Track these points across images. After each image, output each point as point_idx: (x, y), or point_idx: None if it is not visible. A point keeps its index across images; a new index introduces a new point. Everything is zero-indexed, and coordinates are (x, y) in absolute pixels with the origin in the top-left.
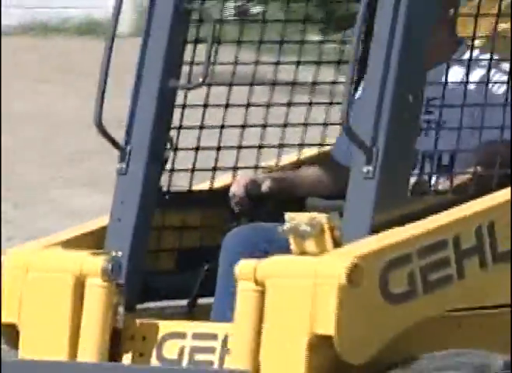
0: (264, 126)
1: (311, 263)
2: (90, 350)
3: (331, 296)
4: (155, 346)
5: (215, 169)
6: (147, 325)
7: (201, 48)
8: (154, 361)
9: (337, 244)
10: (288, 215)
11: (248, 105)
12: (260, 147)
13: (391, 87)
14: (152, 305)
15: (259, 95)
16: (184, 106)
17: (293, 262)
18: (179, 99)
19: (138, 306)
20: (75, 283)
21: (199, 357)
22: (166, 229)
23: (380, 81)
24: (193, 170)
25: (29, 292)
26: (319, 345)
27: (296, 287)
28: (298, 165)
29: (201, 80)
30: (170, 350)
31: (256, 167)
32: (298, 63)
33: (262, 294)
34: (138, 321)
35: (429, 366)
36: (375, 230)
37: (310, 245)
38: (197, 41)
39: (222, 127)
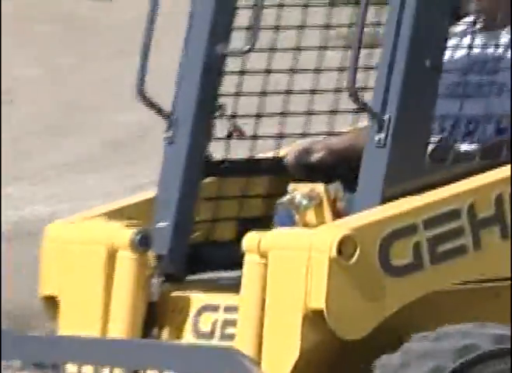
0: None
1: (306, 235)
2: (120, 323)
3: (322, 269)
4: (190, 319)
5: (281, 136)
6: (184, 298)
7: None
8: (189, 335)
9: (340, 215)
10: (291, 186)
11: (319, 70)
12: (332, 112)
13: (404, 50)
14: (206, 276)
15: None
16: (242, 72)
17: (291, 234)
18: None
19: (190, 277)
20: (107, 255)
21: (230, 330)
22: (225, 198)
23: (393, 44)
24: (254, 137)
25: (67, 264)
26: (314, 320)
27: (292, 260)
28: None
29: (248, 47)
30: (205, 324)
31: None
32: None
33: (266, 266)
34: (175, 294)
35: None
36: (389, 200)
37: (311, 216)
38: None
39: (288, 92)
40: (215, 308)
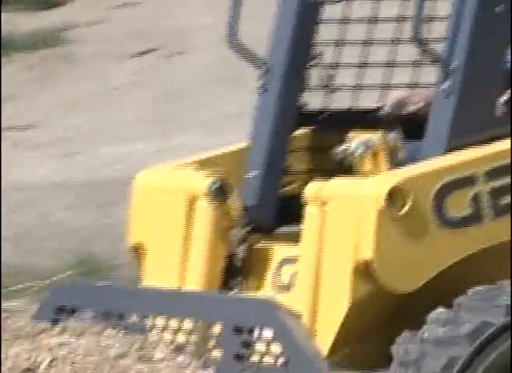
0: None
1: (360, 185)
2: (197, 273)
3: (371, 219)
4: (271, 271)
5: (386, 86)
6: (267, 249)
7: None
8: (268, 287)
9: (399, 165)
10: (349, 135)
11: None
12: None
13: None
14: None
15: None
16: (345, 21)
17: (348, 184)
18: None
19: (277, 230)
20: (187, 204)
21: None
22: (319, 151)
23: None
24: (356, 88)
25: (152, 213)
26: (364, 272)
27: (345, 210)
28: None
29: None
30: (284, 276)
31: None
32: None
33: (325, 216)
34: (260, 245)
35: None
36: (455, 151)
37: (367, 166)
38: None
39: (394, 42)
40: (294, 261)
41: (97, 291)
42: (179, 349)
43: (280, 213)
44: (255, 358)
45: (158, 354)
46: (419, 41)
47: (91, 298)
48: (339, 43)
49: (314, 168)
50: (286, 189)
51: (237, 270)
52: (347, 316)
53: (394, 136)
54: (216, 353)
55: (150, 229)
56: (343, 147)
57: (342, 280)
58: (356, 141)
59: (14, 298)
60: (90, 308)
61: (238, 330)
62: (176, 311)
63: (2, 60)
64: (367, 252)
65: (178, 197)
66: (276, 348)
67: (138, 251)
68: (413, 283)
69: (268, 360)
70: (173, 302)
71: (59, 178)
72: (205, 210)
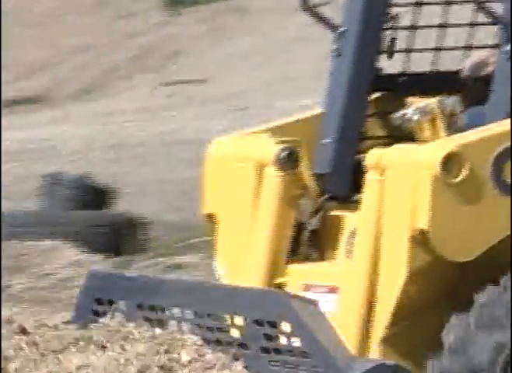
0: None
1: (415, 151)
2: (264, 242)
3: (426, 187)
4: (344, 239)
5: (470, 46)
6: (340, 218)
7: None
8: (340, 255)
9: (458, 131)
10: (408, 100)
11: None
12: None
13: None
14: None
15: None
16: None
17: (404, 151)
18: None
19: (353, 197)
20: (255, 172)
21: None
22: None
23: None
24: (437, 49)
25: (224, 181)
26: (421, 240)
27: (403, 178)
28: None
29: None
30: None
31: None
32: None
33: (384, 183)
34: (333, 213)
35: None
36: None
37: (425, 132)
38: None
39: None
40: None
41: (129, 282)
42: (207, 344)
43: (355, 180)
44: (280, 351)
45: (184, 356)
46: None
47: (124, 289)
48: (418, 3)
49: (392, 133)
50: (363, 156)
51: (310, 239)
52: (406, 286)
53: (451, 101)
54: (243, 348)
55: (222, 199)
56: (401, 113)
57: (400, 248)
58: (414, 106)
59: (183, 254)
60: (123, 299)
61: (261, 324)
62: (199, 304)
63: (174, 14)
64: (423, 221)
65: (248, 166)
66: (298, 342)
67: (211, 220)
68: (470, 252)
69: (291, 353)
70: (196, 295)
71: (233, 132)
72: (273, 179)
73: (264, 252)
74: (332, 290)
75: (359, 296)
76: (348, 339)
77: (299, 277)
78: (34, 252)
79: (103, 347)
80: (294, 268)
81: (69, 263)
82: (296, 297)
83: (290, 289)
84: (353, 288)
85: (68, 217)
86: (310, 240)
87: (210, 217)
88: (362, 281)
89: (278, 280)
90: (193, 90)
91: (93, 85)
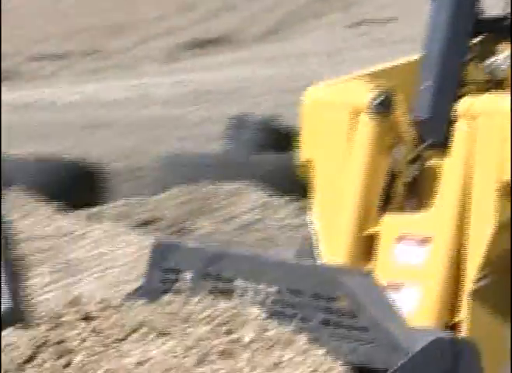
0: None
1: (505, 100)
2: (355, 191)
3: None
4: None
5: None
6: (437, 166)
7: None
8: (436, 205)
9: None
10: (500, 46)
11: None
12: None
13: None
14: None
15: None
16: None
17: (495, 100)
18: None
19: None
20: (350, 118)
21: None
22: None
23: None
24: None
25: (320, 128)
26: (507, 193)
27: (491, 127)
28: None
29: None
30: None
31: None
32: None
33: (474, 132)
34: (433, 162)
35: None
36: None
37: None
38: None
39: None
40: None
41: (195, 252)
42: (269, 319)
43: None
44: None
45: (246, 336)
46: None
47: (190, 260)
48: None
49: (491, 79)
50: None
51: (407, 189)
52: (493, 239)
53: None
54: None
55: (318, 145)
56: (491, 59)
57: (488, 200)
58: (505, 53)
59: None
60: (190, 269)
61: (320, 297)
62: (258, 278)
63: None
64: (508, 173)
65: (343, 112)
66: (356, 317)
67: (308, 167)
68: None
69: (351, 328)
70: (255, 268)
71: None
72: (366, 125)
73: (356, 201)
74: (425, 240)
75: (447, 245)
76: (434, 291)
77: (391, 227)
78: (220, 194)
79: (164, 334)
80: (387, 218)
81: (255, 205)
82: (352, 271)
83: (382, 239)
84: (441, 237)
85: (253, 160)
86: (406, 190)
87: (307, 164)
88: (450, 231)
89: (371, 231)
90: (383, 30)
91: (280, 25)
